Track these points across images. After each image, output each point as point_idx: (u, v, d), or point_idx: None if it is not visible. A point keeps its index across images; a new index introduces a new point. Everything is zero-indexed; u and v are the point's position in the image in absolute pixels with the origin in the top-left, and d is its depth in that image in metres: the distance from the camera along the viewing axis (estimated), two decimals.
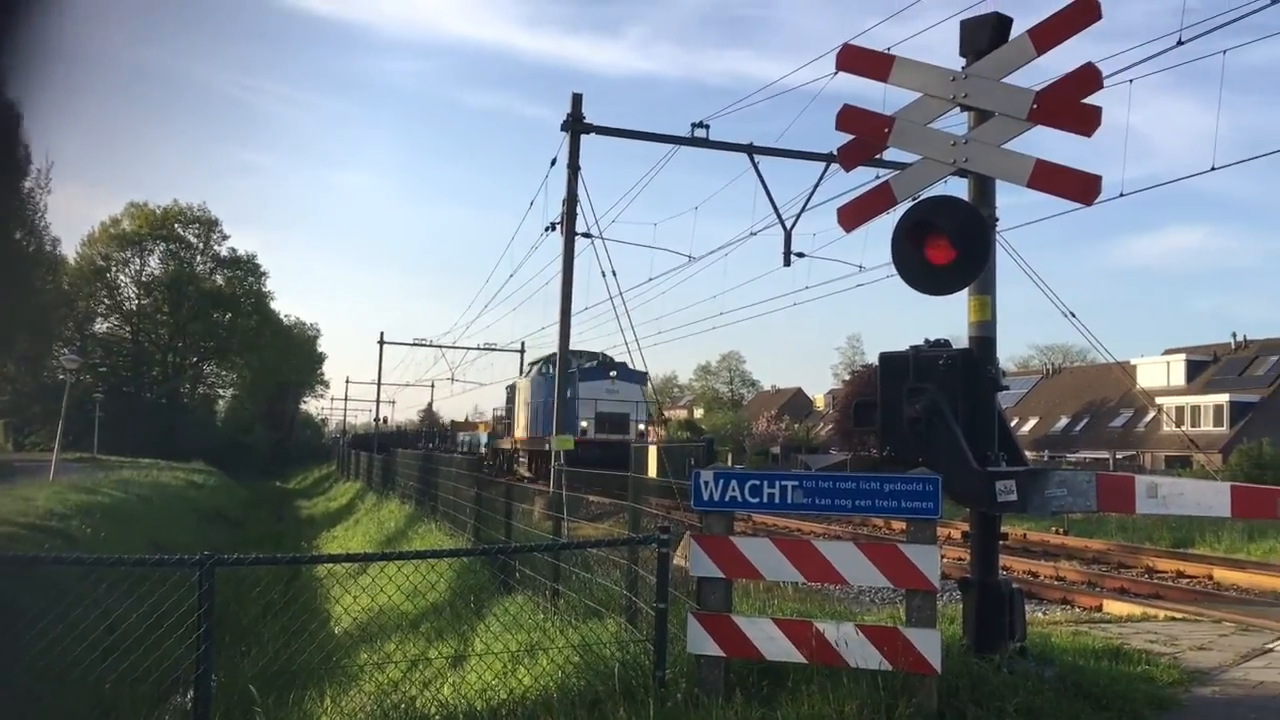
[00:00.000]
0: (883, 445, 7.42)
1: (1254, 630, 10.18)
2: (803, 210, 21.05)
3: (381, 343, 60.91)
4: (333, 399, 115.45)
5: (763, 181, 20.27)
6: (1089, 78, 6.91)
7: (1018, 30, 7.40)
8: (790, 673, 6.61)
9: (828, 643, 6.38)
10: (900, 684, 6.27)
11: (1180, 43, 11.71)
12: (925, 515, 6.45)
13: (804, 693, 6.33)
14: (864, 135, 7.99)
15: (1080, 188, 7.00)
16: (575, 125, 18.98)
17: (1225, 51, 12.52)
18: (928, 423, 7.05)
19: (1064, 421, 64.60)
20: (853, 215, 7.99)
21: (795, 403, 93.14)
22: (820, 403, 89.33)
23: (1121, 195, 17.22)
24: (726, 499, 6.78)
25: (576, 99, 18.91)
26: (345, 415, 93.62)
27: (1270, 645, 9.29)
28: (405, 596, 9.02)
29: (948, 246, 7.04)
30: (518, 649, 8.53)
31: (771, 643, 6.49)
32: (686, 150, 19.83)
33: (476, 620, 11.73)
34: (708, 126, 19.62)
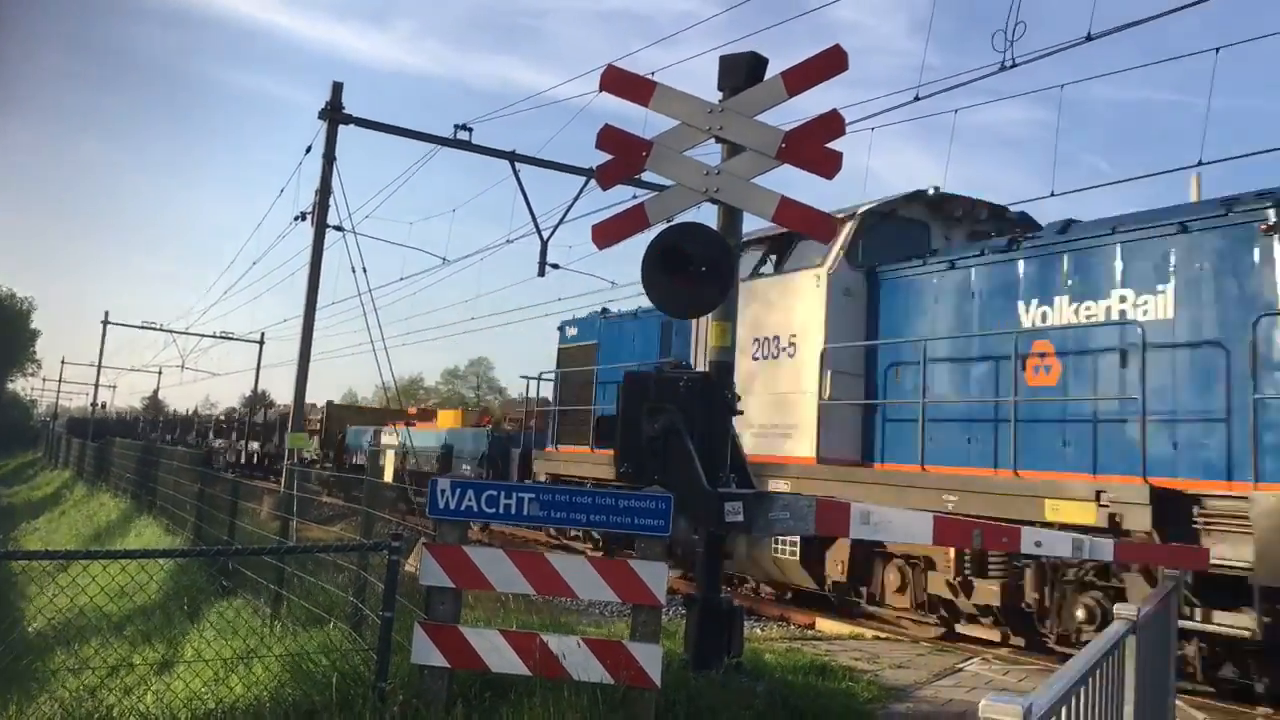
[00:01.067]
0: (621, 462, 7.55)
1: (948, 651, 10.99)
2: (560, 222, 21.24)
3: (106, 323, 56.92)
4: (44, 379, 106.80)
5: (523, 190, 20.33)
6: (833, 123, 7.32)
7: (773, 71, 7.76)
8: (515, 685, 6.60)
9: (552, 655, 6.40)
10: (621, 697, 6.38)
11: (917, 98, 12.62)
12: (656, 532, 6.59)
13: (525, 705, 6.34)
14: (623, 156, 8.13)
15: (820, 226, 7.39)
16: (334, 114, 18.43)
17: (957, 110, 13.58)
18: (665, 442, 7.23)
19: None
20: (606, 234, 8.10)
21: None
22: None
23: None
24: (462, 508, 6.71)
25: (337, 87, 18.37)
26: (58, 398, 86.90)
27: (960, 665, 10.06)
28: (110, 597, 8.41)
29: (694, 272, 7.26)
30: (231, 656, 8.11)
31: (497, 654, 6.46)
32: (448, 151, 19.63)
33: (190, 624, 11.11)
34: (471, 129, 19.49)
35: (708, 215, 8.28)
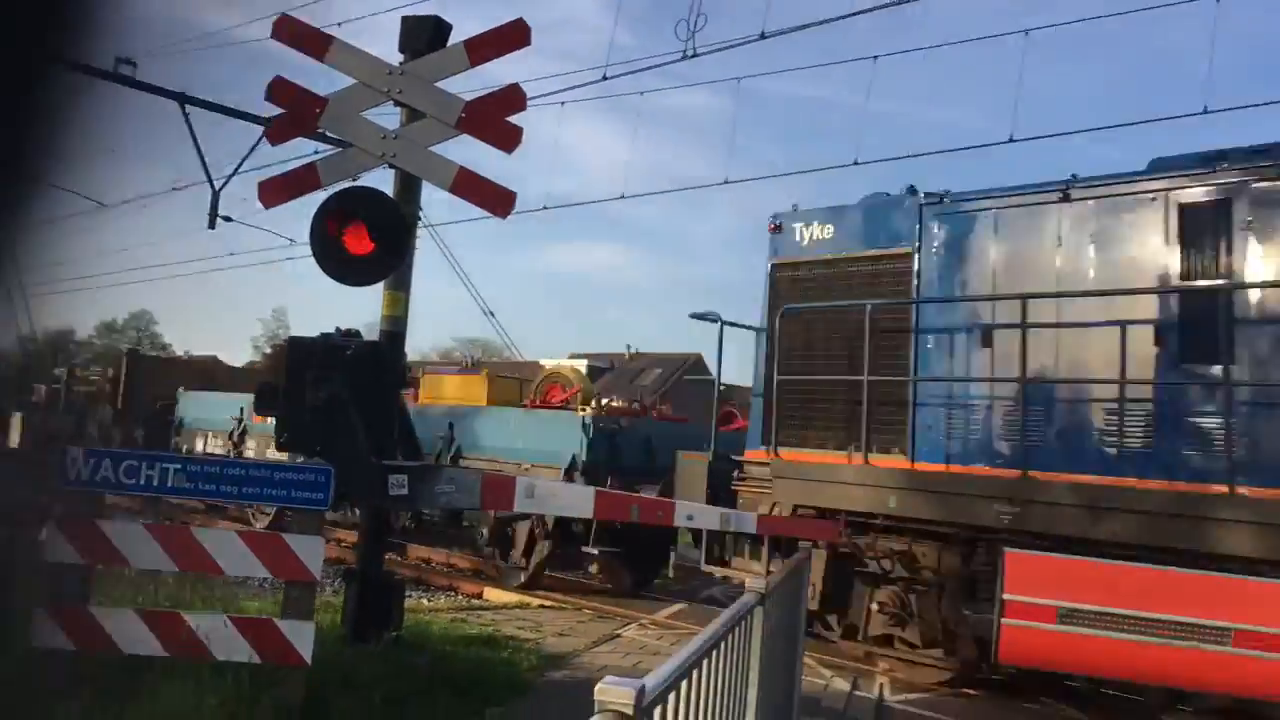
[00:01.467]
0: (282, 432, 7.25)
1: (608, 617, 11.40)
2: (235, 173, 20.04)
3: None
4: None
5: (193, 135, 18.98)
6: (514, 98, 7.31)
7: (456, 38, 7.64)
8: (153, 666, 6.20)
9: (196, 635, 6.06)
10: (270, 676, 6.14)
11: (605, 78, 12.87)
12: (314, 506, 6.37)
13: (164, 689, 5.97)
14: (295, 111, 7.75)
15: (497, 200, 7.37)
16: None
17: (643, 93, 13.97)
18: (329, 413, 7.00)
19: None
20: (275, 191, 7.70)
21: (212, 372, 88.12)
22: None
23: (545, 208, 18.50)
24: (98, 478, 6.20)
25: None
26: None
27: (618, 631, 10.45)
28: None
29: (367, 238, 7.06)
30: None
31: (132, 636, 6.03)
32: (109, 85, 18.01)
33: None
34: (135, 64, 17.96)
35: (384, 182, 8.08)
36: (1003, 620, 6.56)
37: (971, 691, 9.27)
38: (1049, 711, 8.84)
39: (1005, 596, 6.54)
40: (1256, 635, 6.07)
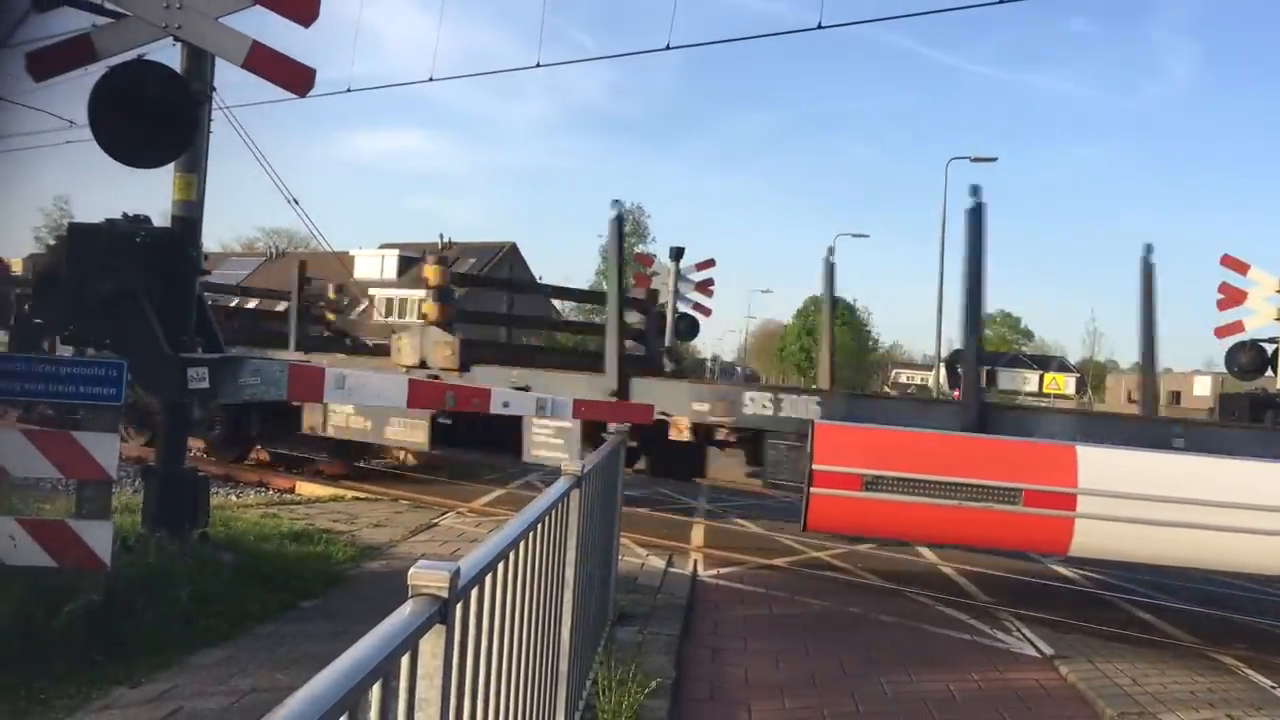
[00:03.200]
0: (64, 325, 6.79)
1: (425, 507, 11.35)
2: (4, 45, 18.28)
3: None
4: None
5: None
6: None
7: None
8: None
9: None
10: (69, 580, 5.85)
11: None
12: (107, 401, 6.03)
13: None
14: None
15: (295, 78, 6.97)
16: None
17: None
18: (118, 304, 6.59)
19: (284, 306, 65.61)
20: (45, 64, 7.05)
21: None
22: (18, 267, 79.66)
23: (349, 90, 17.67)
24: None
25: None
26: None
27: (435, 520, 10.43)
28: None
29: (151, 117, 6.57)
30: None
31: None
32: None
33: None
34: None
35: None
36: (811, 490, 6.83)
37: (780, 564, 9.73)
38: (847, 579, 9.38)
39: (814, 467, 6.80)
40: (1043, 494, 6.55)
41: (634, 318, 15.39)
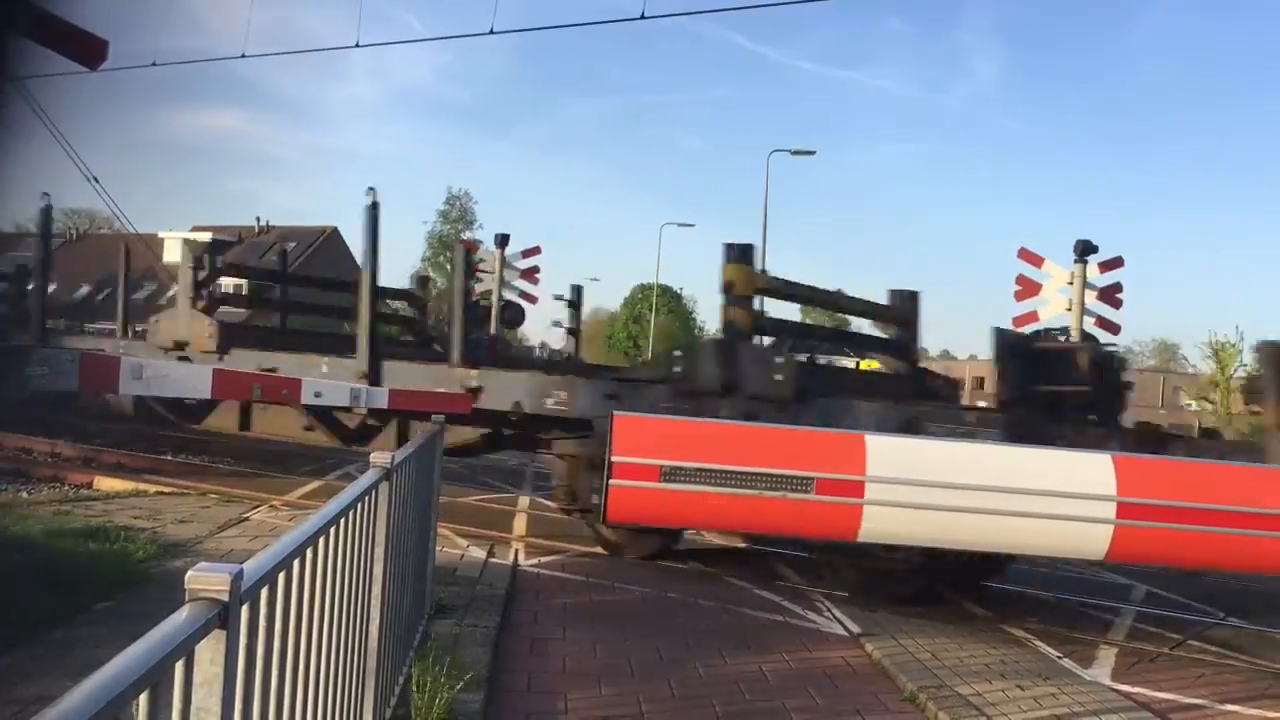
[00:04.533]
0: None
1: (236, 501, 10.90)
2: None
3: None
4: None
5: None
6: None
7: None
8: None
9: None
10: None
11: None
12: None
13: None
14: None
15: (86, 49, 6.55)
16: None
17: None
18: None
19: (86, 289, 62.14)
20: None
21: None
22: None
23: (155, 64, 16.82)
24: None
25: None
26: None
27: (246, 515, 10.04)
28: None
29: None
30: None
31: None
32: None
33: None
34: None
35: None
36: (610, 481, 6.87)
37: (601, 551, 9.78)
38: (666, 565, 9.51)
39: (613, 458, 6.84)
40: (833, 482, 6.77)
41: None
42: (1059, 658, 7.27)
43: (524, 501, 12.46)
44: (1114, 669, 7.12)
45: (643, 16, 12.38)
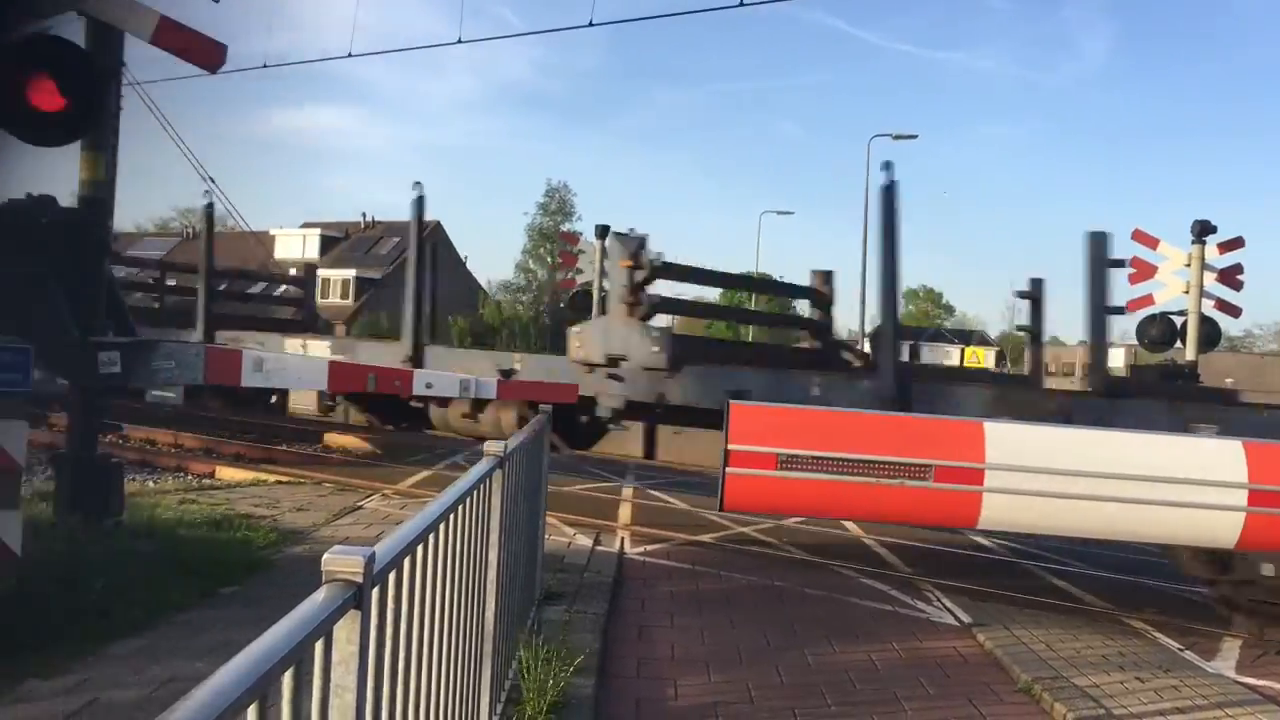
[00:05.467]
0: None
1: (349, 490, 11.21)
2: None
3: None
4: None
5: None
6: None
7: None
8: None
9: None
10: None
11: None
12: (13, 387, 5.85)
13: None
14: None
15: (205, 52, 6.80)
16: None
17: None
18: (21, 286, 6.39)
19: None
20: None
21: None
22: None
23: (265, 66, 17.32)
24: None
25: None
26: None
27: (360, 503, 10.32)
28: None
29: (55, 93, 6.37)
30: None
31: None
32: None
33: None
34: None
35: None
36: (727, 470, 6.87)
37: (706, 539, 9.80)
38: (772, 553, 9.49)
39: (729, 447, 6.84)
40: (952, 470, 6.67)
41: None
42: (1180, 650, 7.06)
43: (628, 491, 12.53)
44: (1238, 661, 6.88)
45: (741, 4, 12.35)
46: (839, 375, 9.87)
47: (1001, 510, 6.73)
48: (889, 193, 8.26)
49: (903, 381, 8.28)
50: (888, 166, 8.23)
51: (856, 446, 6.73)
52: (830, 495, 6.80)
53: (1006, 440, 6.77)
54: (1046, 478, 6.55)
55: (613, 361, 8.93)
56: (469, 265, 63.95)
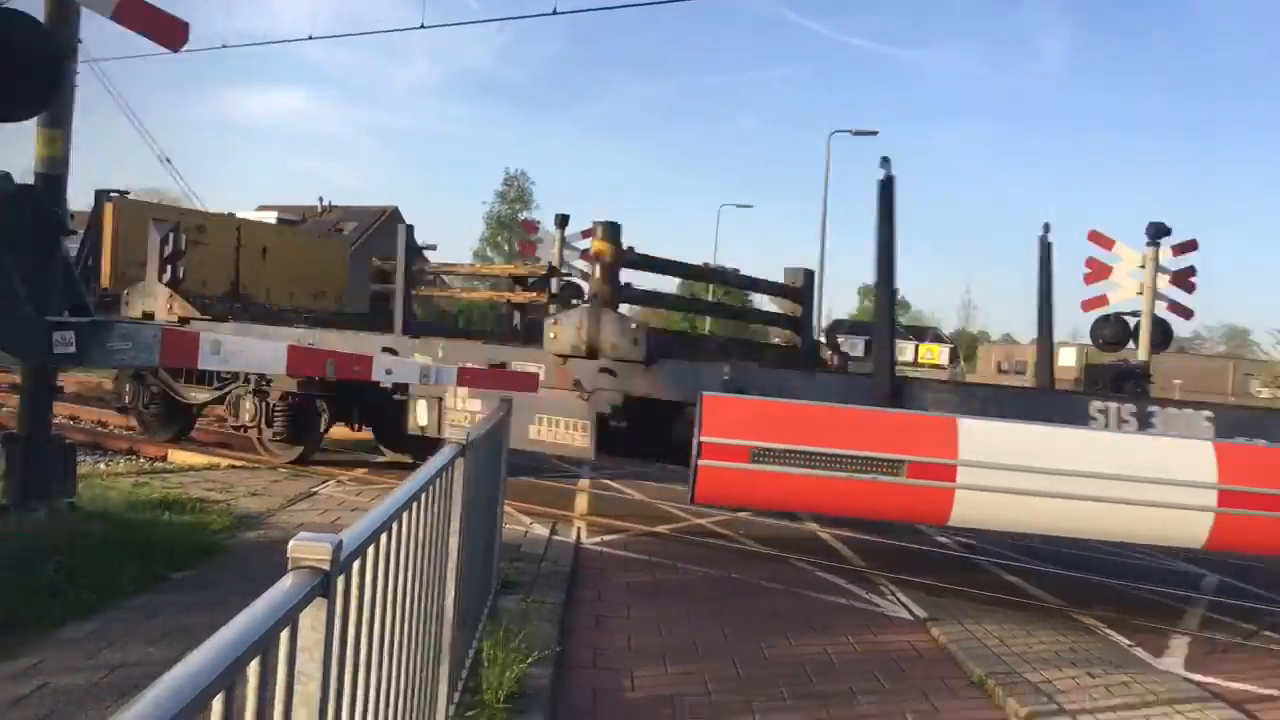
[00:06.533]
0: None
1: (304, 475, 11.12)
2: None
3: None
4: None
5: None
6: None
7: None
8: None
9: None
10: None
11: None
12: None
13: None
14: None
15: (168, 32, 6.70)
16: None
17: None
18: None
19: None
20: None
21: None
22: None
23: (225, 46, 17.09)
24: None
25: None
26: None
27: (315, 489, 10.24)
28: None
29: (11, 69, 6.24)
30: None
31: None
32: None
33: None
34: None
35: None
36: (699, 462, 6.88)
37: (663, 531, 9.83)
38: (728, 545, 9.53)
39: (701, 439, 6.85)
40: (924, 465, 6.74)
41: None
42: (1130, 646, 7.18)
43: (584, 481, 12.54)
44: (1187, 658, 7.01)
45: None
46: (832, 374, 9.95)
47: (972, 507, 6.80)
48: (886, 188, 8.21)
49: (896, 381, 8.31)
50: (885, 163, 8.16)
51: (829, 441, 6.77)
52: (801, 489, 6.84)
53: (979, 437, 6.84)
54: (1018, 475, 6.62)
55: (591, 353, 8.90)
56: (430, 255, 63.50)
